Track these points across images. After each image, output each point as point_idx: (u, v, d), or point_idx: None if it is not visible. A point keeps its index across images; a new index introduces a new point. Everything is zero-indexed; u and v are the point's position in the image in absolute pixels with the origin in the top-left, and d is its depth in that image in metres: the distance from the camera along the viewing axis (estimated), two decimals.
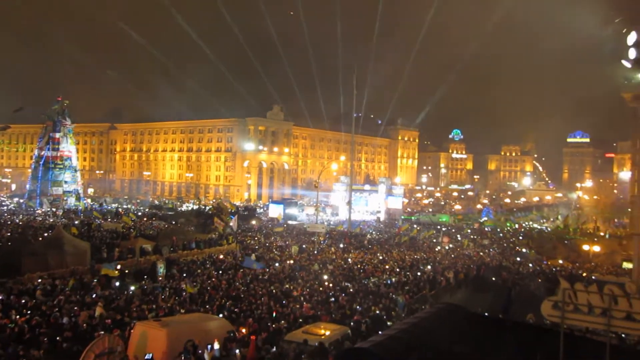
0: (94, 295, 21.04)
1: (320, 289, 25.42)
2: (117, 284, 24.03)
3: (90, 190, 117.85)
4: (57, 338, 14.49)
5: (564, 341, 9.74)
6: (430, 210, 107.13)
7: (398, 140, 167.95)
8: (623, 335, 11.13)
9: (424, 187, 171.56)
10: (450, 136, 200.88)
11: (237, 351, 13.33)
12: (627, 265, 40.38)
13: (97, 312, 17.89)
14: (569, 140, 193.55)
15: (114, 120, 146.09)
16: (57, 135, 76.65)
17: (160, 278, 26.69)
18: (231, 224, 48.24)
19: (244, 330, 16.23)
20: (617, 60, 28.46)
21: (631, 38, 25.69)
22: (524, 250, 51.46)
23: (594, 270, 40.56)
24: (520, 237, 61.00)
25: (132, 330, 14.40)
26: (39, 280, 23.76)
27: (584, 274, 35.97)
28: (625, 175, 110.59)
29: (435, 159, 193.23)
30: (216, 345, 13.20)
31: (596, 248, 50.21)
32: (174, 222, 54.85)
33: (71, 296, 20.64)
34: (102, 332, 14.49)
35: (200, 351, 13.17)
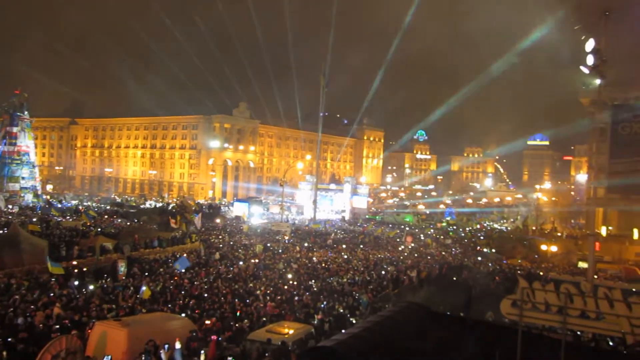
0: (51, 295, 20.46)
1: (285, 287, 25.41)
2: (76, 283, 23.42)
3: (49, 187, 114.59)
4: (12, 339, 14.02)
5: (522, 339, 9.99)
6: (395, 210, 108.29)
7: (364, 140, 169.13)
8: (579, 333, 11.49)
9: (388, 186, 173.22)
10: (414, 137, 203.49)
11: (202, 351, 13.19)
12: (582, 264, 41.70)
13: (54, 312, 17.41)
14: (529, 142, 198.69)
15: (75, 115, 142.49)
16: (15, 129, 74.14)
17: (122, 277, 26.17)
18: (195, 221, 47.66)
19: (208, 322, 16.05)
20: (576, 66, 29.35)
21: (589, 45, 26.48)
22: (484, 250, 52.52)
23: (552, 269, 41.71)
24: (481, 237, 62.24)
25: (91, 331, 14.06)
26: None
27: (542, 273, 36.97)
28: (581, 177, 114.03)
29: (399, 159, 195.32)
30: (177, 345, 13.02)
31: (553, 248, 51.70)
32: (136, 220, 53.85)
33: (27, 295, 20.02)
34: (59, 333, 14.11)
35: (163, 351, 12.98)
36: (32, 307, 18.22)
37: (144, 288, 21.43)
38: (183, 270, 27.72)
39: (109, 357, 12.03)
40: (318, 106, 72.35)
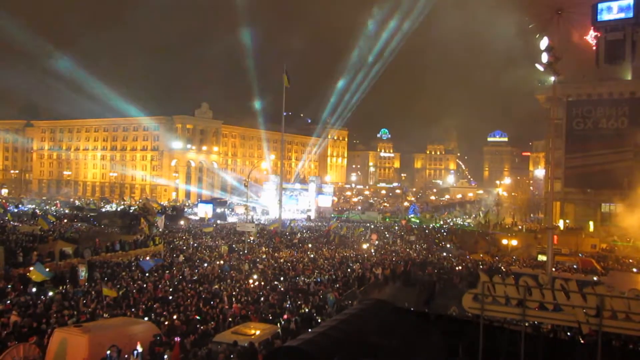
0: (7, 302, 19.81)
1: (251, 286, 25.28)
2: (34, 289, 22.74)
3: (5, 191, 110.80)
4: None
5: (484, 331, 10.23)
6: (359, 208, 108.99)
7: (328, 139, 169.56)
8: (536, 323, 11.82)
9: (353, 185, 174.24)
10: (378, 135, 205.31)
11: (165, 356, 12.99)
12: (541, 257, 42.83)
13: (11, 320, 16.86)
14: (489, 139, 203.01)
15: (30, 117, 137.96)
16: None
17: (84, 282, 25.54)
18: (158, 224, 46.91)
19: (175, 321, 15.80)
20: (532, 64, 30.15)
21: (543, 43, 27.22)
22: (448, 245, 53.38)
23: (513, 263, 42.71)
24: (444, 233, 63.27)
25: (50, 338, 13.68)
26: None
27: (503, 268, 37.82)
28: (539, 172, 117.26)
29: (364, 157, 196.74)
30: (139, 349, 12.79)
31: (514, 242, 52.99)
32: (96, 224, 52.62)
33: None
34: (17, 342, 13.68)
35: (127, 356, 12.73)
36: None
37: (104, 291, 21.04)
38: (147, 273, 27.29)
39: None
40: (282, 106, 71.90)
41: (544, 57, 27.57)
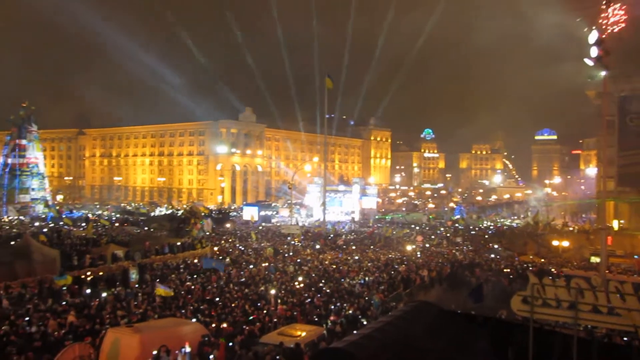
0: (63, 303, 20.62)
1: (297, 288, 25.43)
2: (89, 291, 23.59)
3: (59, 197, 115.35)
4: (26, 348, 14.14)
5: (534, 335, 9.95)
6: (404, 209, 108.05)
7: (371, 140, 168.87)
8: (589, 327, 11.40)
9: (397, 186, 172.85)
10: (422, 135, 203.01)
11: (212, 356, 13.23)
12: (594, 259, 41.35)
13: (68, 320, 17.54)
14: (536, 137, 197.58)
15: (82, 125, 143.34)
16: (23, 142, 74.72)
17: (136, 284, 26.31)
18: (205, 227, 47.84)
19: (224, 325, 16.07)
20: (582, 59, 29.11)
21: (592, 36, 26.28)
22: (495, 247, 52.23)
23: (564, 265, 41.40)
24: (490, 233, 61.98)
25: (104, 338, 14.15)
26: (7, 290, 23.09)
27: (554, 270, 36.69)
28: (591, 171, 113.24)
29: (407, 158, 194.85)
30: (188, 348, 13.07)
31: (565, 243, 51.28)
32: (146, 228, 54.13)
33: (40, 305, 20.19)
34: (72, 341, 14.21)
35: (176, 353, 13.02)
36: (48, 314, 18.41)
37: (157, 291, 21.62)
38: (194, 275, 27.86)
39: None
40: (324, 108, 72.20)
41: (593, 51, 26.61)
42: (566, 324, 10.84)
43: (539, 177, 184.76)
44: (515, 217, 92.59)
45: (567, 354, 9.98)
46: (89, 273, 28.08)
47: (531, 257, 45.54)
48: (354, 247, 46.34)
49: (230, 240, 48.30)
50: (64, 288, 23.78)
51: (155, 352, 12.59)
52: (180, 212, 65.18)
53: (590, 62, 27.52)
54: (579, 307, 9.68)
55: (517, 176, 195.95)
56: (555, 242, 51.54)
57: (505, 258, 44.89)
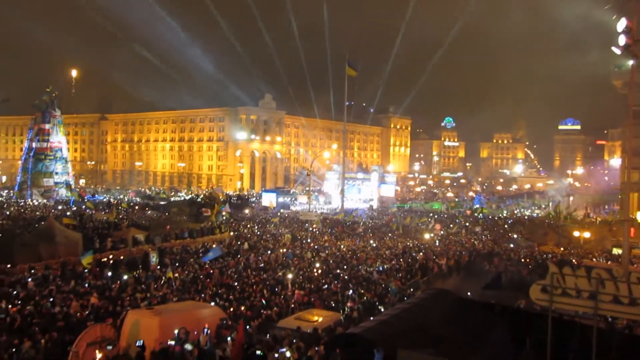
0: (85, 285, 21.03)
1: (316, 274, 25.54)
2: (110, 273, 24.01)
3: (82, 181, 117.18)
4: (49, 328, 14.47)
5: (553, 325, 9.85)
6: (423, 198, 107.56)
7: (390, 128, 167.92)
8: (610, 319, 11.26)
9: (416, 175, 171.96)
10: (442, 124, 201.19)
11: (229, 338, 13.39)
12: (616, 250, 40.71)
13: (90, 302, 17.89)
14: (560, 127, 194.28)
15: (104, 110, 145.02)
16: (47, 126, 75.92)
17: (157, 267, 26.69)
18: (223, 212, 48.20)
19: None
20: (607, 47, 28.40)
21: (621, 24, 25.60)
22: (515, 236, 51.74)
23: (585, 256, 40.87)
24: (510, 223, 61.42)
25: (124, 319, 14.41)
26: (32, 272, 23.63)
27: (575, 261, 36.25)
28: (615, 162, 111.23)
29: (427, 146, 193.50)
30: (207, 330, 13.30)
31: (586, 234, 50.55)
32: (166, 212, 54.75)
33: (63, 286, 20.62)
34: (94, 322, 14.49)
35: (196, 333, 13.25)
36: (71, 295, 18.80)
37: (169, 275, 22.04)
38: (208, 260, 28.18)
39: (141, 341, 12.31)
40: (344, 95, 71.96)
41: (621, 40, 25.94)
42: (586, 314, 10.72)
43: (561, 167, 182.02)
44: (536, 207, 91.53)
45: (586, 344, 9.88)
46: (110, 256, 28.54)
47: (551, 247, 45.03)
48: (371, 234, 46.31)
49: (248, 225, 48.62)
50: (86, 271, 24.20)
51: (176, 331, 12.83)
52: (199, 198, 65.81)
53: (617, 51, 26.86)
54: (600, 298, 9.55)
55: (538, 166, 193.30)
56: (576, 233, 50.85)
57: (524, 248, 44.47)
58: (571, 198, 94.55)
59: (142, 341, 12.32)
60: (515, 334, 11.10)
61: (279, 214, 63.27)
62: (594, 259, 38.55)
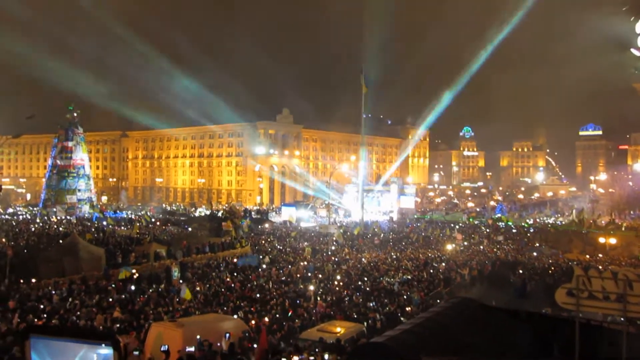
0: (109, 300, 21.23)
1: (337, 287, 25.42)
2: (133, 287, 24.21)
3: (104, 198, 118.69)
4: None
5: (581, 330, 9.65)
6: (443, 208, 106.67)
7: (408, 139, 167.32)
8: (639, 322, 11.01)
9: (436, 185, 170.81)
10: (461, 134, 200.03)
11: (255, 345, 13.42)
12: None
13: (113, 316, 18.06)
14: (581, 133, 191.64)
15: (125, 128, 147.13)
16: (70, 144, 77.27)
17: (177, 281, 26.84)
18: (244, 226, 48.37)
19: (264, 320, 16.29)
20: (627, 50, 28.08)
21: (639, 26, 25.33)
22: (538, 245, 51.00)
23: (611, 262, 40.10)
24: (532, 231, 60.58)
25: (148, 331, 14.51)
26: (56, 286, 23.93)
27: (601, 267, 35.56)
28: (639, 166, 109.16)
29: (446, 157, 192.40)
30: (228, 338, 13.38)
31: (612, 240, 49.62)
32: (187, 227, 55.13)
33: (87, 301, 20.84)
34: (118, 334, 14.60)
35: (218, 344, 13.33)
36: (94, 309, 19.00)
37: (184, 291, 22.07)
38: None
39: (166, 346, 12.33)
40: (361, 108, 72.09)
41: None
42: (614, 318, 10.49)
43: (584, 174, 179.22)
44: (559, 215, 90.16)
45: (615, 350, 9.65)
46: (133, 271, 28.78)
47: (577, 255, 44.30)
48: (392, 246, 46.01)
49: (269, 240, 48.69)
50: (112, 286, 24.44)
51: (198, 338, 12.94)
52: (219, 213, 66.14)
53: (637, 53, 26.56)
54: (628, 300, 9.33)
55: (560, 173, 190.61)
56: (602, 240, 49.93)
57: (549, 256, 43.78)
58: (595, 204, 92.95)
59: (167, 346, 12.38)
60: (541, 340, 10.91)
61: (299, 227, 63.25)
62: (621, 265, 37.81)
